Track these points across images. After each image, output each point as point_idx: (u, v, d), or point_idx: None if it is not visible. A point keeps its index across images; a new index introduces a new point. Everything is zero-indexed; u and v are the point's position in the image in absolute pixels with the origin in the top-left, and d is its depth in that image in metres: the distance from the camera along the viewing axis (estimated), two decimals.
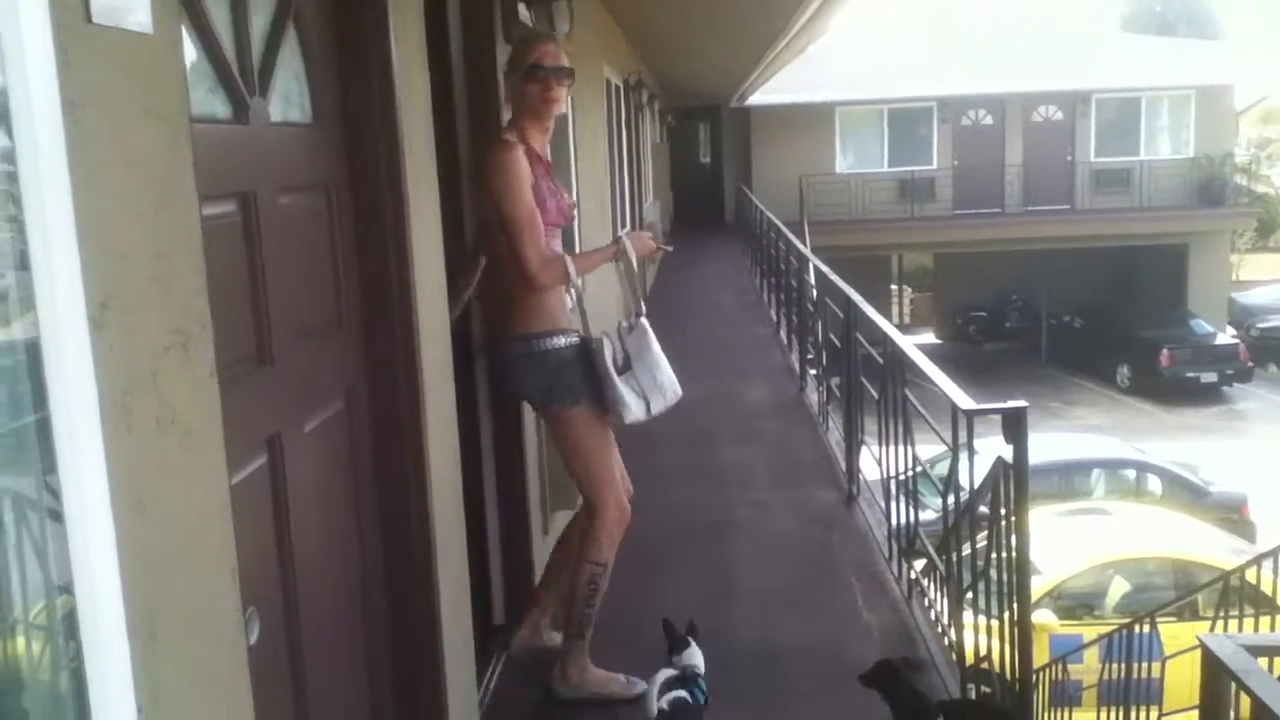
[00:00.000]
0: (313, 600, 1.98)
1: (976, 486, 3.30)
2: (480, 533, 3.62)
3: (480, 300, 3.55)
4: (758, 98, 20.37)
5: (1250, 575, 5.40)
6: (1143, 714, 5.56)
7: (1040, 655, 7.82)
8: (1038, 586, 8.53)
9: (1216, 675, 1.57)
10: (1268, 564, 5.11)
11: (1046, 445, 13.21)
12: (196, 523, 1.38)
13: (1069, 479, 11.84)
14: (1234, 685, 1.54)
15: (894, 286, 26.61)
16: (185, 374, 1.35)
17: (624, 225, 10.17)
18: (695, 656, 3.05)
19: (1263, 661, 1.75)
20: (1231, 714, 1.73)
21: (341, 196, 2.28)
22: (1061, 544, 9.15)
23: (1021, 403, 2.91)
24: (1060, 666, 6.97)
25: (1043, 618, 8.17)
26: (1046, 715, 7.52)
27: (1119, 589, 8.58)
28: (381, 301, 2.37)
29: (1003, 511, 3.10)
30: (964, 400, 3.13)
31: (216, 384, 1.44)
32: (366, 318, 2.36)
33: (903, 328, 25.47)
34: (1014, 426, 2.91)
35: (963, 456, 3.32)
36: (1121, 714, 5.47)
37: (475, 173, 3.40)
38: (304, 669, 1.94)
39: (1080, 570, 8.65)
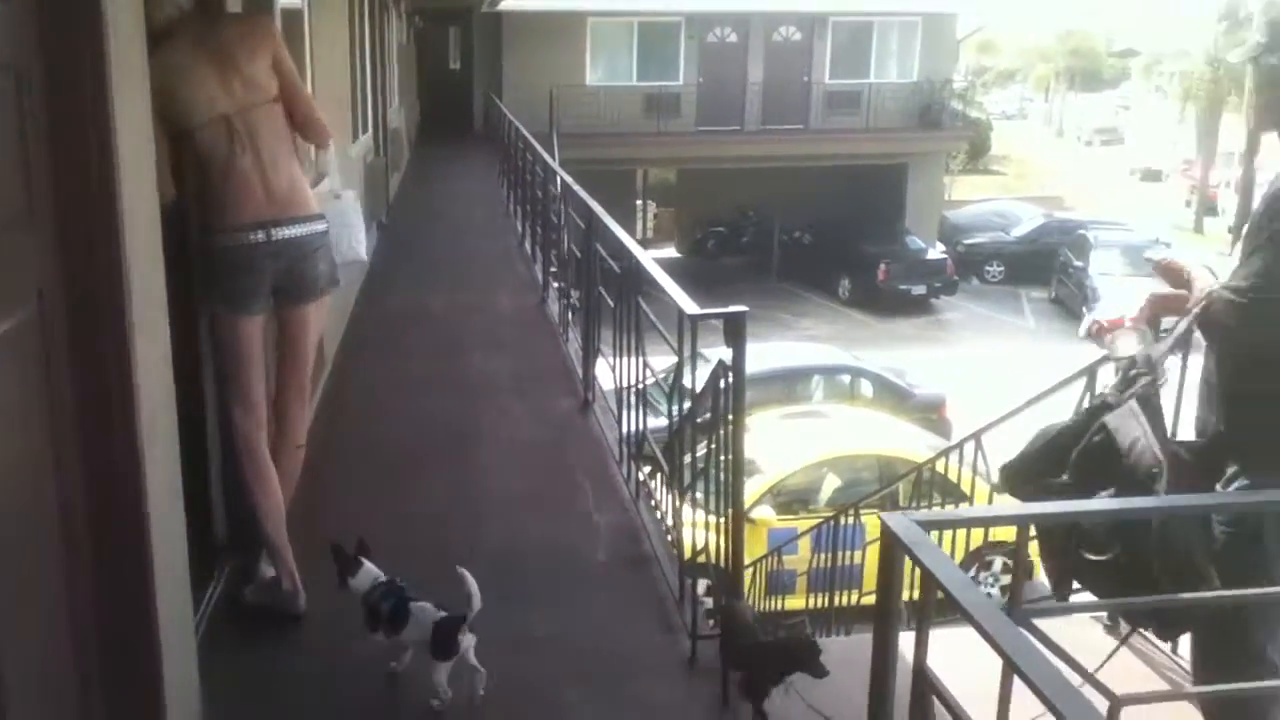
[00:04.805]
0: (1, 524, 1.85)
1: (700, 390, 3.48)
2: (200, 448, 3.48)
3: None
4: (510, 2, 19.95)
5: (943, 468, 5.99)
6: (846, 597, 6.13)
7: (759, 548, 8.42)
8: (759, 484, 9.15)
9: (891, 548, 1.77)
10: (956, 456, 5.68)
11: (773, 354, 14.04)
12: None
13: (791, 385, 12.64)
14: (906, 557, 1.74)
15: (639, 201, 27.08)
16: None
17: (365, 130, 9.80)
18: (373, 571, 3.06)
19: (935, 535, 1.96)
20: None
21: (33, 75, 2.08)
22: (782, 445, 9.82)
23: (742, 307, 3.08)
24: (776, 558, 7.53)
25: (762, 513, 8.79)
26: (764, 603, 8.14)
27: (831, 484, 9.33)
28: (80, 195, 2.19)
29: (723, 412, 3.28)
30: (690, 305, 3.27)
31: None
32: (62, 213, 2.18)
33: (646, 242, 26.01)
34: (734, 330, 3.08)
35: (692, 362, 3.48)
36: (827, 599, 5.98)
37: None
38: None
39: (797, 468, 9.32)
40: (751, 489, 9.16)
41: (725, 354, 3.19)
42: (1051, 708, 1.36)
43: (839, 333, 19.32)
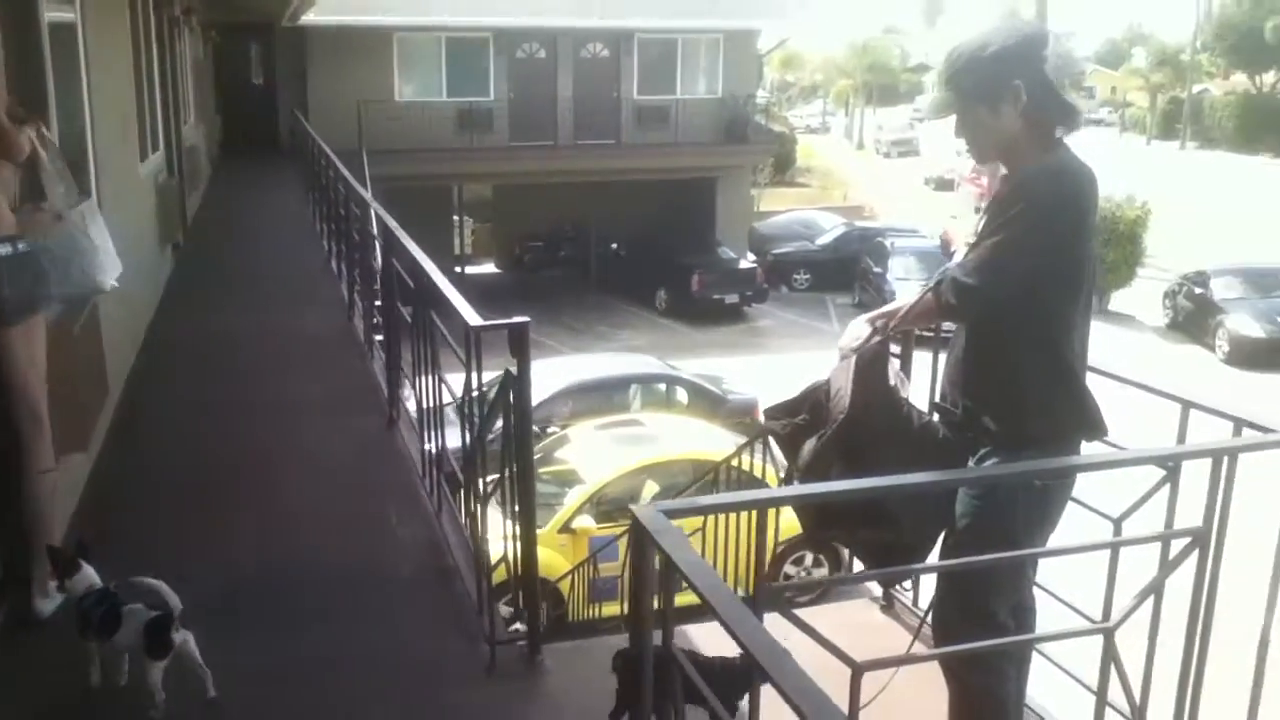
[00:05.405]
0: None
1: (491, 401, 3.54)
2: None
3: None
4: (312, 17, 19.50)
5: (749, 465, 6.21)
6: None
7: (581, 556, 8.56)
8: (580, 494, 9.29)
9: (640, 537, 1.88)
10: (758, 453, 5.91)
11: (592, 365, 14.26)
12: None
13: (609, 395, 12.86)
14: (652, 545, 1.86)
15: (456, 217, 26.90)
16: None
17: (155, 149, 9.42)
18: (91, 576, 3.02)
19: (691, 523, 2.08)
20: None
21: None
22: (601, 454, 10.00)
23: (524, 318, 3.15)
24: (593, 566, 7.66)
25: (583, 523, 8.93)
26: (586, 610, 8.27)
27: (650, 490, 9.53)
28: None
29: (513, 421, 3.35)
30: (473, 317, 3.32)
31: None
32: None
33: (464, 258, 25.91)
34: (518, 341, 3.15)
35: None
36: None
37: None
38: None
39: (617, 476, 9.48)
40: (572, 498, 9.28)
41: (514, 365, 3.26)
42: (773, 683, 1.48)
43: (657, 342, 19.69)
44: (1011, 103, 2.58)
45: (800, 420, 2.78)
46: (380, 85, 21.87)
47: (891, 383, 2.86)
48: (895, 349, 3.22)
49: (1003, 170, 2.74)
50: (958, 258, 2.85)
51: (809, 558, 9.50)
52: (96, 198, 5.88)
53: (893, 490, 2.37)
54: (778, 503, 2.19)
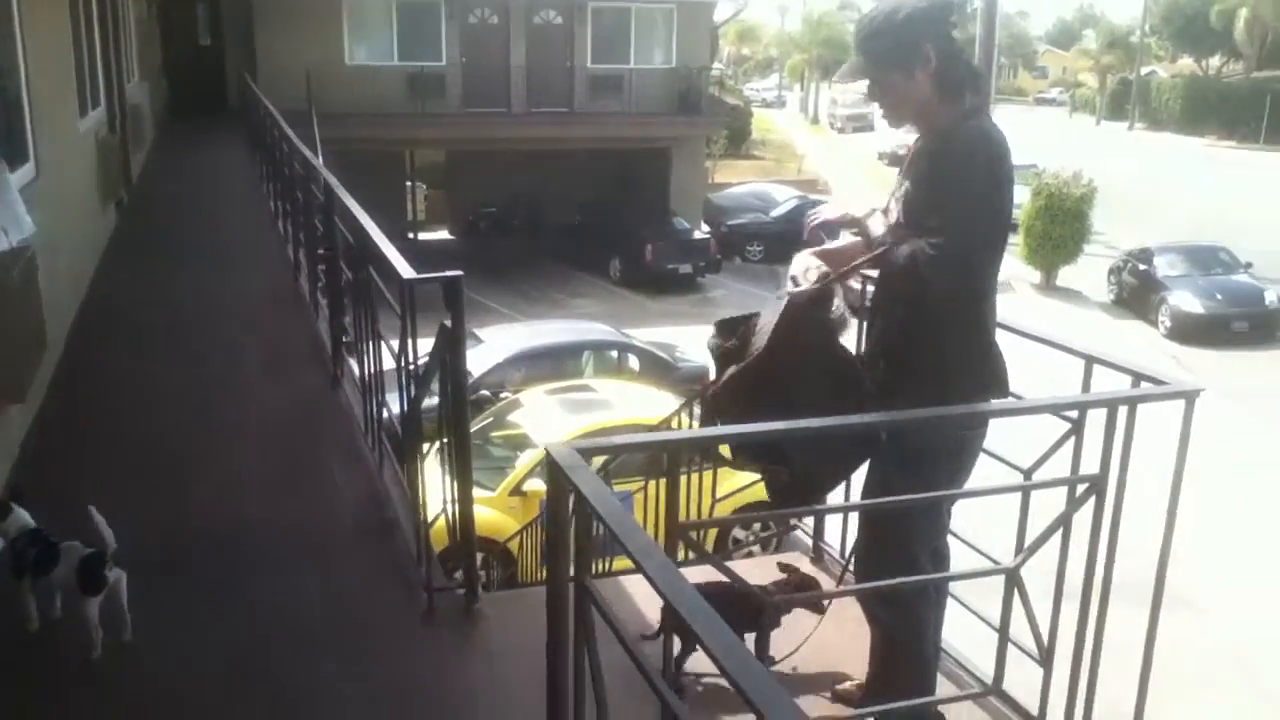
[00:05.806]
0: None
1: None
2: None
3: None
4: None
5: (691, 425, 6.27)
6: (609, 562, 6.40)
7: (530, 517, 8.65)
8: (531, 457, 9.35)
9: (555, 474, 1.96)
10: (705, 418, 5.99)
11: (545, 331, 14.30)
12: None
13: (561, 361, 12.91)
14: (566, 481, 1.93)
15: (409, 183, 26.66)
16: None
17: (96, 105, 9.28)
18: (24, 518, 3.08)
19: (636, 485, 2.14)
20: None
21: None
22: (551, 418, 10.06)
23: (457, 272, 3.19)
24: (542, 526, 7.72)
25: (534, 485, 9.00)
26: (538, 572, 8.35)
27: (600, 455, 9.60)
28: None
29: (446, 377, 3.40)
30: (407, 270, 3.35)
31: None
32: None
33: (417, 224, 25.72)
34: (452, 294, 3.20)
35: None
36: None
37: None
38: None
39: (566, 440, 9.54)
40: (523, 461, 9.34)
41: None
42: (668, 601, 1.56)
43: (613, 311, 19.69)
44: (923, 66, 2.64)
45: (731, 345, 2.84)
46: (329, 48, 21.55)
47: (834, 315, 2.87)
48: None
49: (915, 134, 2.80)
50: (876, 221, 2.87)
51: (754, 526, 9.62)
52: (32, 151, 5.83)
53: (794, 433, 2.40)
54: (685, 443, 2.27)
